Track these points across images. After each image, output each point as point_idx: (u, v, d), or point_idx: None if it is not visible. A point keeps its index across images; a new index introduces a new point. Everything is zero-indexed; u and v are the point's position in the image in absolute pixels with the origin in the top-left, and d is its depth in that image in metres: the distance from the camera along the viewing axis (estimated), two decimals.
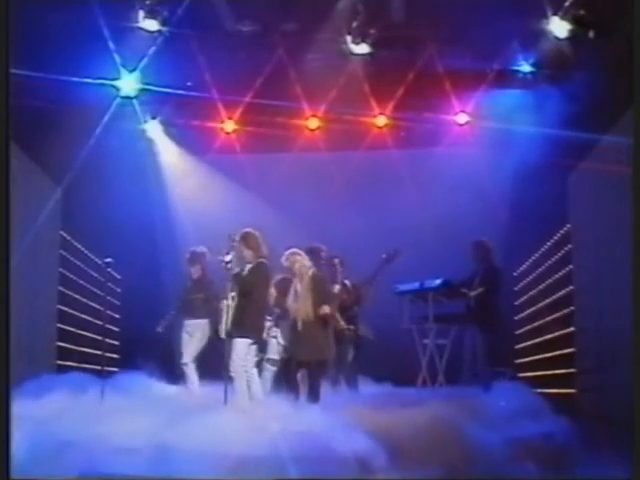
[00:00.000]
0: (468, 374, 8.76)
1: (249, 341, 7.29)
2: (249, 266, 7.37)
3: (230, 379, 7.03)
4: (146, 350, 8.79)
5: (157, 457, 4.88)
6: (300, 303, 7.52)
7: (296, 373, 7.55)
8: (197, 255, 8.75)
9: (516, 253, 10.34)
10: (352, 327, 8.41)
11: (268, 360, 8.13)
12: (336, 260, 8.52)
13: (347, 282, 8.60)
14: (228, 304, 7.35)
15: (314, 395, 7.34)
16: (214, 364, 8.02)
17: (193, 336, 8.60)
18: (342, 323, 8.19)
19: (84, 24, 7.90)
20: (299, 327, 7.47)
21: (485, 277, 8.89)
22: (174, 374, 8.69)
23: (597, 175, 8.10)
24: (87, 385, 7.41)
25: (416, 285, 9.08)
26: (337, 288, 8.41)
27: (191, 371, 8.55)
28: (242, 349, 7.22)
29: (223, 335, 7.36)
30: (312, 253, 8.01)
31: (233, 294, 7.32)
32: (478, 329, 8.77)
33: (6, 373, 4.41)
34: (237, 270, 7.27)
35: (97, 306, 9.31)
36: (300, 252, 7.70)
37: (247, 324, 7.29)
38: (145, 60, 8.83)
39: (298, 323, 7.48)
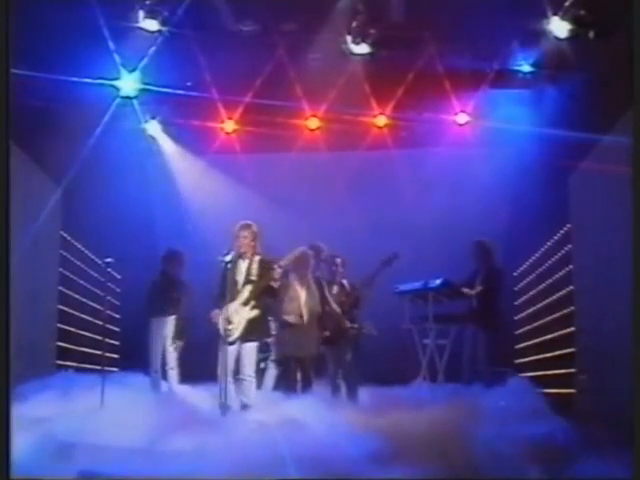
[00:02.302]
0: (468, 374, 8.77)
1: (257, 344, 7.35)
2: (256, 267, 7.39)
3: (238, 383, 7.11)
4: (146, 350, 8.79)
5: (157, 457, 4.88)
6: (295, 304, 7.72)
7: (296, 371, 7.67)
8: (176, 254, 8.83)
9: (516, 253, 10.34)
10: (355, 325, 8.42)
11: (272, 360, 8.14)
12: (338, 260, 8.52)
13: (346, 283, 8.59)
14: (245, 316, 7.38)
15: (307, 386, 7.62)
16: (198, 367, 8.08)
17: (169, 337, 8.65)
18: (347, 322, 8.24)
19: (84, 24, 7.89)
20: (292, 327, 7.68)
21: (486, 277, 8.90)
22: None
23: (597, 175, 8.08)
24: (87, 385, 7.41)
25: (416, 285, 9.09)
26: (336, 289, 8.43)
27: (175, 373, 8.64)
28: (253, 352, 7.28)
29: (231, 340, 7.30)
30: (312, 252, 8.03)
31: (252, 303, 7.34)
32: (478, 329, 8.78)
33: (6, 373, 4.41)
34: (269, 283, 7.34)
35: (97, 306, 9.30)
36: (308, 252, 7.77)
37: (257, 327, 7.36)
38: (145, 60, 8.82)
39: (291, 323, 7.70)
